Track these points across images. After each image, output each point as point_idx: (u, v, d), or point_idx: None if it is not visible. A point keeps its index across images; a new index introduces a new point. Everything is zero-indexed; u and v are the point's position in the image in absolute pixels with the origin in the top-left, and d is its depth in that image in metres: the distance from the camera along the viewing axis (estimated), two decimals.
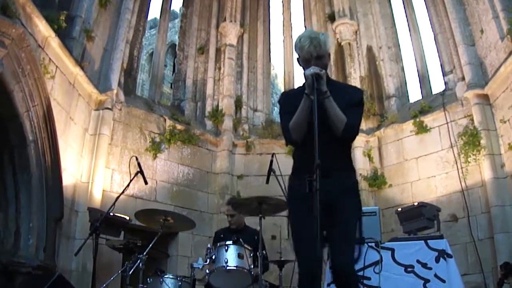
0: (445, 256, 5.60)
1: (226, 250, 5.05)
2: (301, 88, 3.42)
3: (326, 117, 3.26)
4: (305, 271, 3.22)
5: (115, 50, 9.00)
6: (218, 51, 11.30)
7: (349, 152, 3.61)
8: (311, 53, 3.41)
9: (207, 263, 5.11)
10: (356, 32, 11.04)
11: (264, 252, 5.16)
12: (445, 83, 9.66)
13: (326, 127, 3.26)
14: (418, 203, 7.14)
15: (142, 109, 9.49)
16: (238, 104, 10.96)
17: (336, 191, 3.27)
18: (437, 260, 5.57)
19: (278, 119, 14.75)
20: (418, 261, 5.64)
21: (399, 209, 7.15)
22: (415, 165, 9.28)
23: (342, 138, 3.35)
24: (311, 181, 2.94)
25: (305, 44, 3.43)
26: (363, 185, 9.32)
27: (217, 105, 10.74)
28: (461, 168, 8.48)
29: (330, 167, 3.16)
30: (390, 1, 11.31)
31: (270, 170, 5.15)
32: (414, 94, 37.62)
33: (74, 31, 7.84)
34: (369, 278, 5.41)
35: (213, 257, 5.06)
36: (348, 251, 3.28)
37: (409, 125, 9.52)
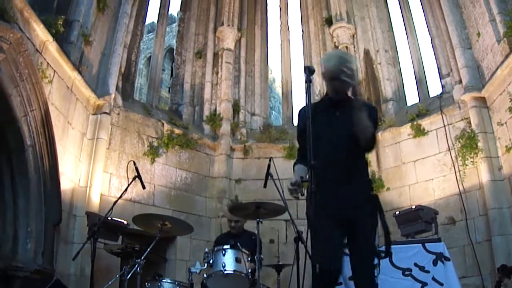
0: (443, 259, 5.62)
1: (224, 254, 5.05)
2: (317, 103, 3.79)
3: (349, 128, 3.52)
4: (322, 274, 3.28)
5: (113, 54, 9.01)
6: (215, 55, 11.31)
7: (367, 165, 3.81)
8: (335, 72, 3.58)
9: (204, 267, 5.11)
10: (353, 35, 11.07)
11: (262, 256, 5.16)
12: (442, 86, 9.68)
13: (347, 139, 3.54)
14: (415, 206, 7.17)
15: (140, 114, 9.50)
16: (236, 108, 10.95)
17: (357, 200, 3.48)
18: (434, 263, 5.59)
19: (275, 123, 14.79)
20: (415, 264, 5.65)
21: (397, 212, 7.18)
22: (413, 168, 9.29)
23: (366, 146, 3.59)
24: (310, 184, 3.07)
25: (330, 64, 3.64)
26: None
27: (215, 109, 10.74)
28: (459, 171, 8.49)
29: (350, 176, 3.51)
30: (387, 4, 11.35)
31: (268, 174, 5.16)
32: (412, 97, 37.72)
33: (72, 35, 7.84)
34: None
35: (211, 261, 5.06)
36: (369, 269, 3.44)
37: (406, 129, 9.53)
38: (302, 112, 4.09)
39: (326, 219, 3.37)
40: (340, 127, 3.60)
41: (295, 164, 3.88)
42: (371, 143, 3.58)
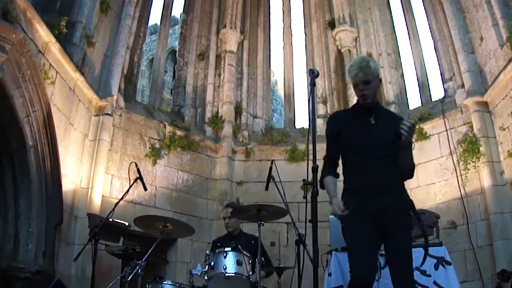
0: (444, 263, 5.60)
1: (225, 257, 5.03)
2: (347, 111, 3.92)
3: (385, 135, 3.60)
4: (357, 281, 3.34)
5: (116, 56, 9.01)
6: (218, 57, 11.32)
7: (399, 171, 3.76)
8: (360, 78, 3.62)
9: (205, 269, 5.10)
10: (356, 39, 11.06)
11: (263, 259, 5.15)
12: (444, 90, 9.67)
13: (383, 147, 3.59)
14: (417, 210, 7.14)
15: (142, 115, 9.50)
16: (238, 110, 10.96)
17: (393, 207, 3.49)
18: (436, 267, 5.57)
19: (277, 125, 14.78)
20: (417, 268, 5.63)
21: None
22: (415, 172, 9.22)
23: (405, 178, 3.74)
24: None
25: (353, 70, 3.65)
26: None
27: (217, 112, 10.75)
28: (461, 175, 8.48)
29: (388, 182, 3.55)
30: (390, 8, 11.34)
31: (270, 176, 5.16)
32: (414, 101, 37.62)
33: (74, 36, 7.84)
34: None
35: (212, 263, 5.05)
36: (409, 274, 3.51)
37: None
38: (336, 116, 4.15)
39: (362, 227, 3.43)
40: (377, 134, 3.63)
41: (324, 177, 3.75)
42: (412, 172, 3.73)
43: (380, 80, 3.78)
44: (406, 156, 3.60)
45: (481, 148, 8.21)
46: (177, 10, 22.47)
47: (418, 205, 8.40)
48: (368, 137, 3.62)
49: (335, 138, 3.78)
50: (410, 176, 3.71)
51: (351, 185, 3.66)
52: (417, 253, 5.82)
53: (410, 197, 3.69)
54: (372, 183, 3.52)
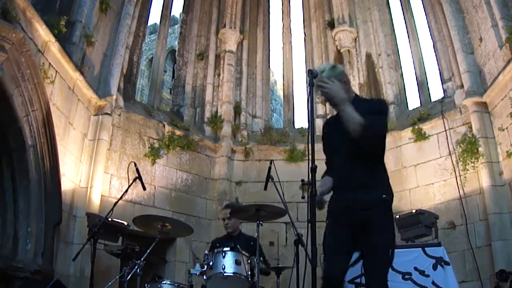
0: (443, 263, 5.62)
1: (224, 257, 5.03)
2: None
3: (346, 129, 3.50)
4: (326, 280, 3.36)
5: (115, 55, 9.02)
6: (217, 57, 11.32)
7: (379, 167, 3.69)
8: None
9: (204, 269, 5.10)
10: (355, 39, 11.07)
11: (261, 258, 5.15)
12: (443, 90, 9.68)
13: (349, 142, 3.50)
14: (416, 210, 7.18)
15: (141, 115, 9.50)
16: (237, 110, 10.97)
17: (364, 207, 3.43)
18: (434, 267, 5.59)
19: (277, 125, 14.78)
20: (415, 269, 5.65)
21: (397, 216, 7.17)
22: (414, 172, 9.29)
23: (360, 142, 3.45)
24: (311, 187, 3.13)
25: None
26: None
27: (216, 111, 10.75)
28: (459, 175, 8.49)
29: (356, 182, 3.49)
30: (389, 8, 11.34)
31: (269, 176, 5.17)
32: (413, 101, 37.66)
33: (74, 36, 7.84)
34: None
35: (211, 263, 5.05)
36: (379, 277, 3.40)
37: (407, 133, 9.53)
38: (327, 121, 4.21)
39: (335, 227, 3.46)
40: (343, 133, 3.55)
41: (322, 177, 3.84)
42: (363, 134, 3.40)
43: (345, 81, 3.78)
44: (344, 112, 3.51)
45: (480, 149, 8.22)
46: (177, 9, 22.62)
47: (417, 206, 8.51)
48: (340, 135, 3.61)
49: (323, 140, 3.94)
50: (360, 137, 3.41)
51: (333, 184, 3.71)
52: (416, 253, 5.86)
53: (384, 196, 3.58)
54: (345, 181, 3.53)
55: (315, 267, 3.16)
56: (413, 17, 11.07)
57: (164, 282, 5.33)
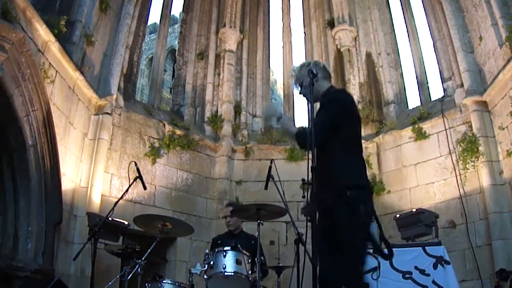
0: (443, 262, 5.62)
1: (224, 256, 5.03)
2: None
3: None
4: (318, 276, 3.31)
5: (115, 55, 9.02)
6: (217, 56, 11.33)
7: (341, 157, 3.64)
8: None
9: (205, 268, 5.11)
10: (355, 38, 11.08)
11: (262, 258, 5.15)
12: (444, 89, 9.68)
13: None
14: (416, 209, 7.18)
15: (142, 114, 9.51)
16: (237, 109, 10.98)
17: (329, 200, 3.42)
18: (435, 266, 5.59)
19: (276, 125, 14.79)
20: (416, 268, 5.65)
21: (397, 216, 7.19)
22: (414, 171, 9.29)
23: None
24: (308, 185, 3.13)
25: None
26: None
27: (216, 111, 10.75)
28: (460, 174, 8.49)
29: (329, 179, 3.45)
30: (389, 7, 11.35)
31: (269, 176, 5.16)
32: (413, 100, 37.63)
33: (74, 35, 7.85)
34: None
35: (211, 262, 5.05)
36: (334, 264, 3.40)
37: (407, 132, 9.53)
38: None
39: (319, 226, 3.40)
40: None
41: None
42: (309, 139, 3.36)
43: (312, 84, 3.63)
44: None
45: (480, 148, 8.22)
46: (177, 9, 22.59)
47: (417, 205, 8.51)
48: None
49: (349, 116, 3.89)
50: (313, 141, 3.36)
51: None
52: (416, 252, 5.87)
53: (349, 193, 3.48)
54: (319, 180, 3.40)
55: (316, 267, 3.16)
56: (413, 16, 11.08)
57: (165, 281, 5.34)
